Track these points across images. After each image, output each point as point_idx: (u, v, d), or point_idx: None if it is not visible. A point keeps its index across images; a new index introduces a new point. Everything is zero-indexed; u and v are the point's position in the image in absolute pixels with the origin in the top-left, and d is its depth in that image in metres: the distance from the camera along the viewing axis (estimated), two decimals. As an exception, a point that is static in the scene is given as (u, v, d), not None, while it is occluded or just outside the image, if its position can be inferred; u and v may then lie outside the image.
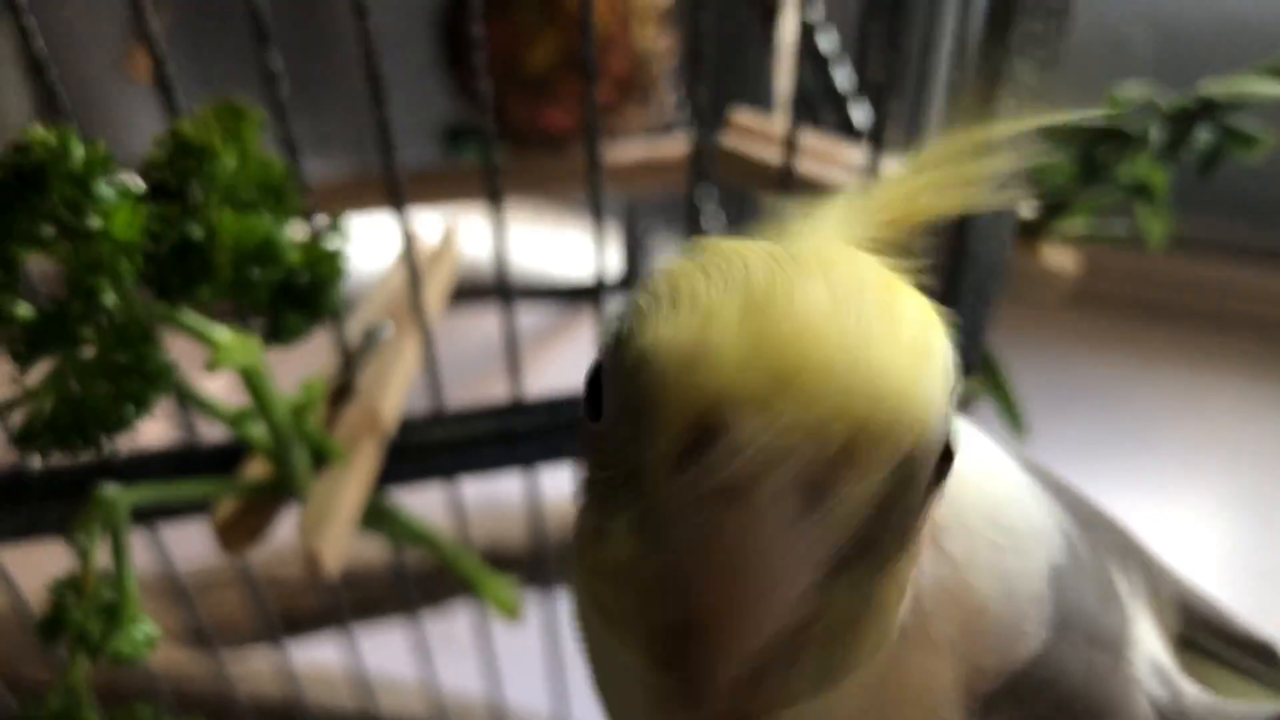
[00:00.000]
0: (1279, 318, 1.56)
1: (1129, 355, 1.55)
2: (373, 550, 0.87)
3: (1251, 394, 1.50)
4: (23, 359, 0.32)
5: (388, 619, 0.88)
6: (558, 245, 1.48)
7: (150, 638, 0.36)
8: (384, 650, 0.80)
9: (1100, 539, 0.35)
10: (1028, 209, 0.57)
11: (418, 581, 0.81)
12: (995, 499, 0.31)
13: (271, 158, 0.39)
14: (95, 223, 0.32)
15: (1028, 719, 0.29)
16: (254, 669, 0.81)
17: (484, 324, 1.16)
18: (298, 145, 0.43)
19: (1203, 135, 0.52)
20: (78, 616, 0.35)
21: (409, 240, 0.47)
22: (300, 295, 0.39)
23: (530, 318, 1.39)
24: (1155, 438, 1.39)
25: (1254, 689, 0.36)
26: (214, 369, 0.36)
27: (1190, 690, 0.32)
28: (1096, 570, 0.33)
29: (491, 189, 0.47)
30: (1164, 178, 0.54)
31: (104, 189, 0.32)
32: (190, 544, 0.69)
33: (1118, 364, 1.53)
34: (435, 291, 0.53)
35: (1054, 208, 0.56)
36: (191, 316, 0.36)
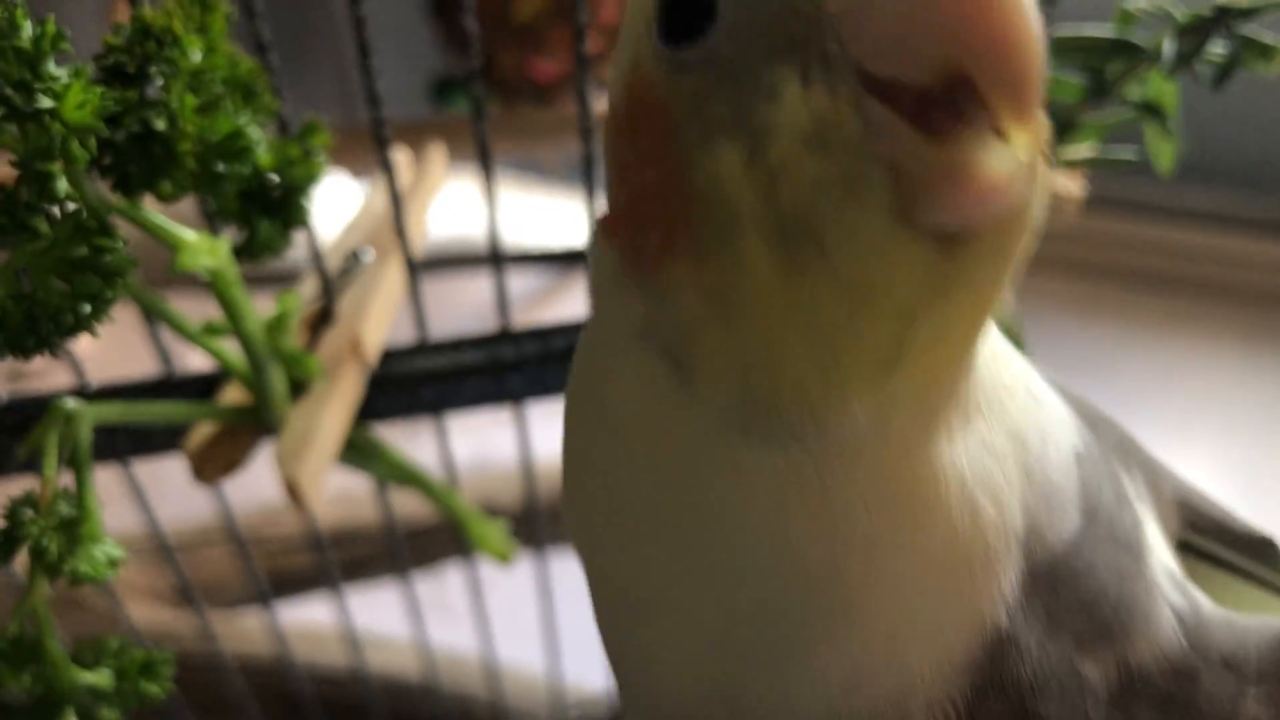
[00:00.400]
0: (1273, 286, 1.55)
1: (1123, 323, 1.54)
2: (363, 510, 0.85)
3: (1245, 362, 1.49)
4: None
5: (379, 578, 0.86)
6: (547, 213, 1.46)
7: (113, 559, 0.34)
8: (376, 610, 0.79)
9: (1105, 439, 0.33)
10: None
11: (409, 539, 0.79)
12: (1026, 371, 0.29)
13: (241, 54, 0.37)
14: (45, 103, 0.30)
15: (1061, 611, 0.26)
16: (243, 628, 0.79)
17: (473, 289, 1.14)
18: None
19: (1217, 48, 0.50)
20: (33, 531, 0.33)
21: (389, 163, 0.45)
22: (272, 201, 0.37)
23: (521, 281, 1.37)
24: (1149, 405, 1.38)
25: (1255, 593, 0.34)
26: (178, 270, 0.34)
27: (1204, 599, 0.31)
28: (1108, 469, 0.31)
29: (479, 137, 0.45)
30: (1175, 95, 0.52)
31: (54, 68, 0.30)
32: (178, 504, 0.67)
33: (1112, 332, 1.53)
34: (419, 215, 0.51)
35: (1060, 129, 0.54)
36: (153, 213, 0.34)
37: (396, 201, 0.45)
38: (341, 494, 0.85)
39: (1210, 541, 0.35)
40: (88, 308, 0.31)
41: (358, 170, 1.05)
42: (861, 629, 0.24)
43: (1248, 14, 0.48)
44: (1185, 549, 0.34)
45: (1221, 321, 1.55)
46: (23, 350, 0.31)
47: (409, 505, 0.77)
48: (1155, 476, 0.35)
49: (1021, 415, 0.26)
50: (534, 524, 0.70)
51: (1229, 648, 0.29)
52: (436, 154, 0.55)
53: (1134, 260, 1.59)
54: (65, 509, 0.34)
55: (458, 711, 0.75)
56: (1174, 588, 0.30)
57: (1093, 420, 0.33)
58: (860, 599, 0.24)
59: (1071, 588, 0.27)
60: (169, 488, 0.61)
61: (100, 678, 0.37)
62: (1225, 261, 1.58)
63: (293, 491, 0.43)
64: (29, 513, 0.34)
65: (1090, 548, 0.27)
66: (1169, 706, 0.28)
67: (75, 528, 0.33)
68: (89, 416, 0.36)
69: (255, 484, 0.70)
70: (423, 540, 0.84)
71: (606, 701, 0.78)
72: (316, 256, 0.46)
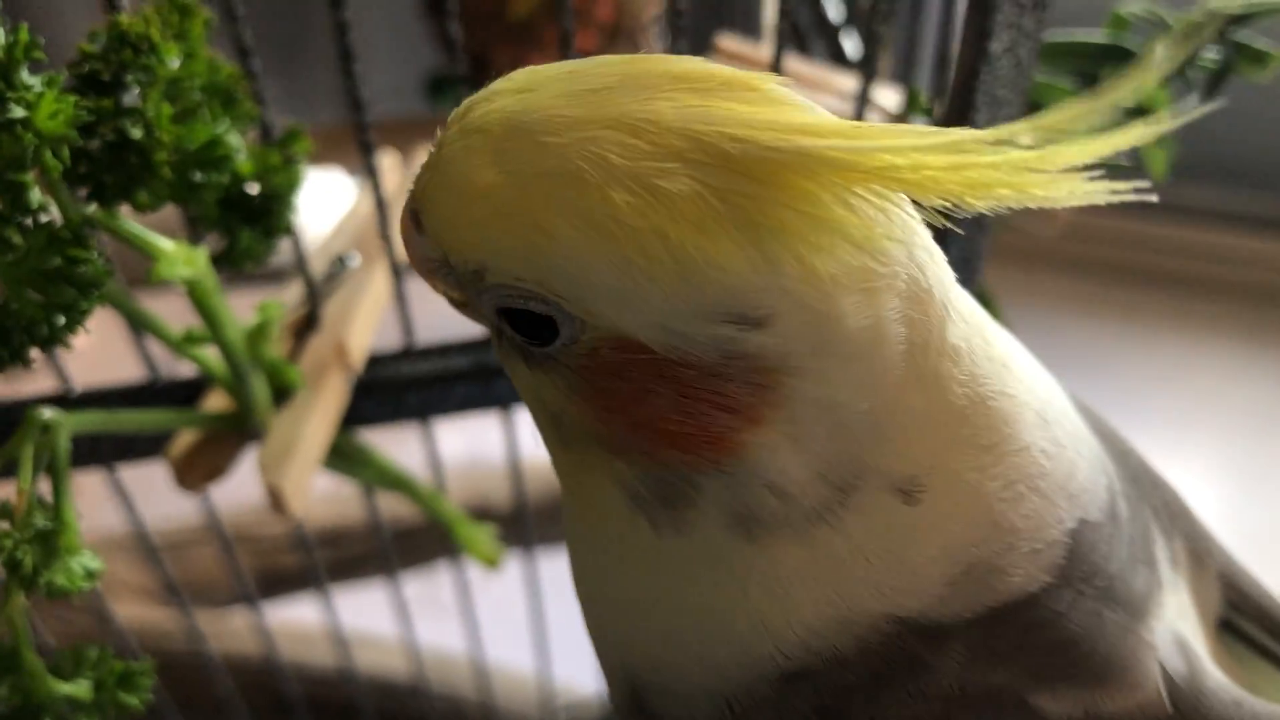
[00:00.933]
0: (1270, 283, 1.55)
1: (1121, 320, 1.54)
2: (353, 509, 0.85)
3: (1242, 359, 1.49)
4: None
5: (371, 577, 0.86)
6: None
7: (91, 572, 0.34)
8: (367, 610, 0.78)
9: (1145, 497, 0.33)
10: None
11: (398, 540, 0.79)
12: (1056, 430, 0.29)
13: (221, 60, 0.36)
14: (17, 112, 0.29)
15: (1009, 646, 0.27)
16: (232, 628, 0.79)
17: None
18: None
19: (1210, 54, 0.50)
20: (8, 544, 0.32)
21: (374, 167, 0.45)
22: (253, 209, 0.37)
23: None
24: (1146, 403, 1.38)
25: None
26: (155, 280, 0.33)
27: (1216, 675, 0.31)
28: (1136, 531, 0.31)
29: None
30: (1168, 100, 0.52)
31: (27, 77, 0.30)
32: (169, 503, 0.67)
33: (1109, 329, 1.52)
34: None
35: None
36: (129, 223, 0.34)
37: (381, 206, 0.45)
38: (332, 494, 0.85)
39: (1253, 626, 0.35)
40: (63, 319, 0.31)
41: (354, 167, 1.05)
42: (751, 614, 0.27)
43: (1241, 20, 0.48)
44: (1230, 629, 0.34)
45: (1220, 319, 1.54)
46: (-3, 362, 0.31)
47: (399, 505, 0.77)
48: (1202, 548, 0.34)
49: (997, 494, 0.27)
50: (523, 524, 0.70)
51: (1228, 717, 0.29)
52: (425, 156, 0.54)
53: (1133, 257, 1.59)
54: (42, 521, 0.34)
55: (446, 711, 0.75)
56: (1178, 654, 0.30)
57: (1137, 474, 0.33)
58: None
59: (1026, 633, 0.27)
60: (160, 485, 0.61)
61: (78, 688, 0.36)
62: (1224, 259, 1.58)
63: (275, 499, 0.43)
64: (4, 525, 0.33)
65: (1060, 603, 0.28)
66: None
67: (52, 540, 0.33)
68: (67, 426, 0.36)
69: (246, 483, 0.69)
70: (412, 540, 0.84)
71: (596, 702, 0.78)
72: (301, 262, 0.45)
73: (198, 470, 0.43)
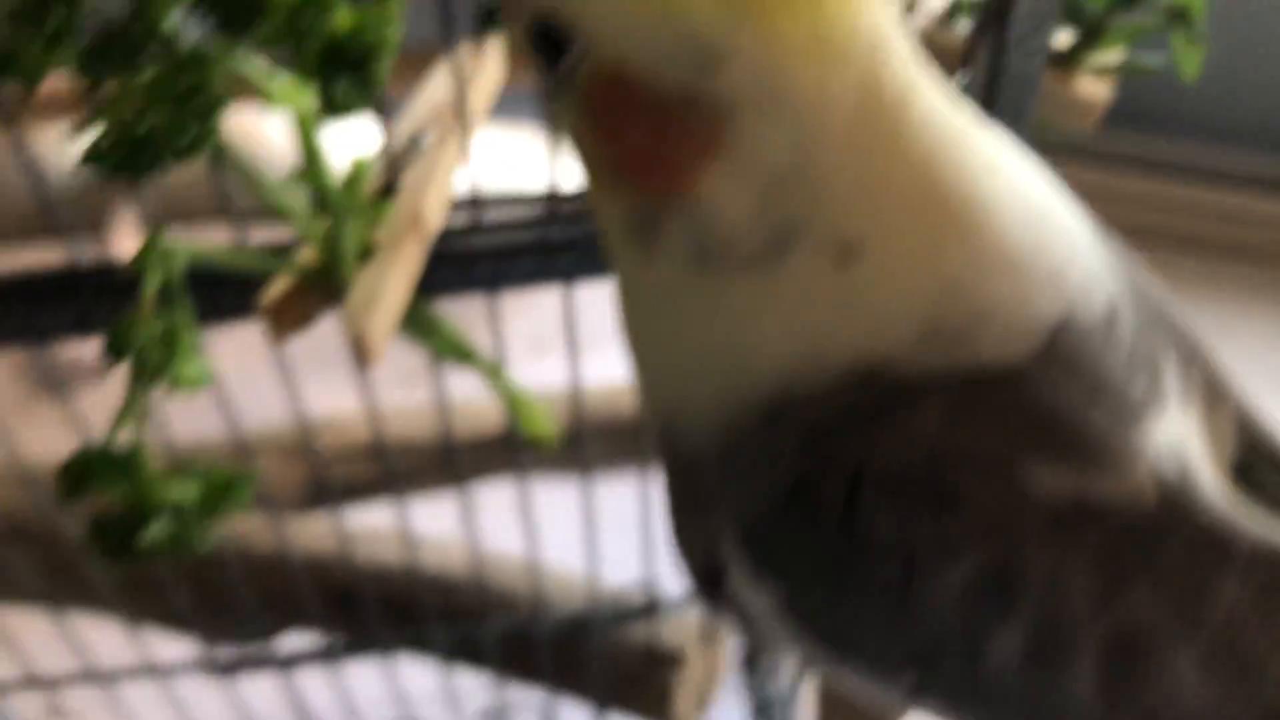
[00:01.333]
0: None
1: (1157, 286, 1.54)
2: (418, 422, 0.89)
3: (1276, 325, 1.49)
4: (89, 78, 0.34)
5: (433, 489, 0.89)
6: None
7: (206, 374, 0.38)
8: (428, 521, 0.82)
9: (1165, 332, 0.35)
10: (1062, 37, 0.57)
11: (463, 452, 0.82)
12: (1047, 227, 0.32)
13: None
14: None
15: (992, 420, 0.30)
16: (308, 528, 0.83)
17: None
18: None
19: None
20: (137, 340, 0.36)
21: (454, 43, 0.48)
22: (350, 61, 0.40)
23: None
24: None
25: None
26: (269, 109, 0.37)
27: (1212, 488, 0.32)
28: (1141, 349, 0.33)
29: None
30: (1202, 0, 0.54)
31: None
32: (225, 417, 0.71)
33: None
34: (480, 97, 0.54)
35: (1089, 35, 0.56)
36: (246, 59, 0.37)
37: (459, 84, 0.48)
38: (389, 410, 0.89)
39: (1267, 472, 0.36)
40: (195, 130, 0.35)
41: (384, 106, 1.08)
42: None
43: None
44: (1248, 479, 0.35)
45: (1255, 285, 1.55)
46: (134, 169, 0.35)
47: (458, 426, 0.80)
48: (1220, 389, 0.36)
49: (973, 258, 0.30)
50: (580, 448, 0.73)
51: (1220, 526, 0.31)
52: (494, 51, 0.58)
53: (1164, 221, 1.60)
54: (163, 326, 0.37)
55: (500, 604, 0.78)
56: (1173, 460, 0.31)
57: (1157, 312, 0.35)
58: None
59: (1005, 402, 0.30)
60: (218, 402, 0.64)
61: (186, 492, 0.40)
62: (1258, 223, 1.58)
63: (359, 347, 0.46)
64: (132, 328, 0.37)
65: (1038, 383, 0.30)
66: (1125, 544, 0.30)
67: (173, 340, 0.37)
68: (183, 252, 0.40)
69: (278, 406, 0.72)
70: (471, 455, 0.87)
71: (641, 592, 0.81)
72: (381, 131, 0.49)
73: (288, 318, 0.47)
